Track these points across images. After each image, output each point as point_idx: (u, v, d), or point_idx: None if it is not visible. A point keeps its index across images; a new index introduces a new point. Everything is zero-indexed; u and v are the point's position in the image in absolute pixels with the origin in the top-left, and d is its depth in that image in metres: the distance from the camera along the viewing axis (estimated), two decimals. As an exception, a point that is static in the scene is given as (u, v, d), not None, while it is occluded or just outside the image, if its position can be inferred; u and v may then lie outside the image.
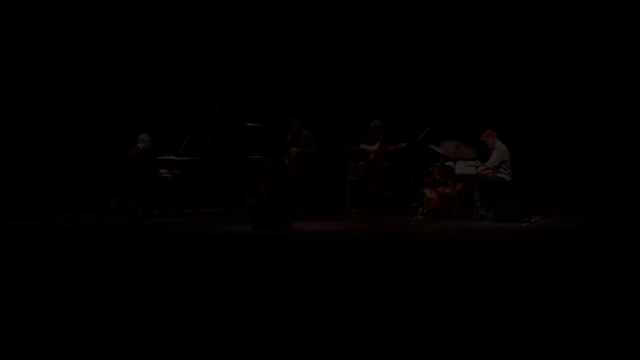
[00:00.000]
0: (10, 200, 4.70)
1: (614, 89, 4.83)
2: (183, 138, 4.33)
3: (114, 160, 4.80)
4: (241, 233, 3.41)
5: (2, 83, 4.98)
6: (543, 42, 5.01)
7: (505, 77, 5.03)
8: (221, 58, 5.28)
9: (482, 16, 5.02)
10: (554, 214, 4.29)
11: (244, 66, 5.23)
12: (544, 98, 5.03)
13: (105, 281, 2.74)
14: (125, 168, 4.33)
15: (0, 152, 4.87)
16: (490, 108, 4.88)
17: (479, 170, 4.19)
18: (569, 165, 4.73)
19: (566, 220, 4.02)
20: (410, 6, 5.10)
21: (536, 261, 2.77)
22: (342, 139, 4.66)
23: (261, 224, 3.47)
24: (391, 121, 4.67)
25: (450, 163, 4.21)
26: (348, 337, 2.12)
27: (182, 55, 5.26)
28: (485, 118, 4.62)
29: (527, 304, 2.35)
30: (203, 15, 5.26)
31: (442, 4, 5.07)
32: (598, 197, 4.31)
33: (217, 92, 5.13)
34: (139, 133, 4.32)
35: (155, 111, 5.18)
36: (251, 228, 3.47)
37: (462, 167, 4.24)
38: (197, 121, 4.50)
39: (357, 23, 5.12)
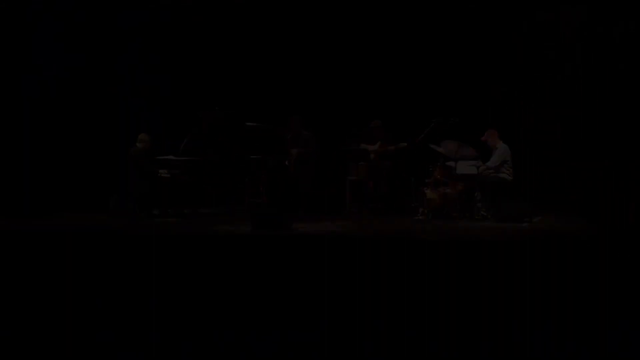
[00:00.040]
0: (10, 200, 4.70)
1: (614, 89, 4.83)
2: (183, 138, 4.33)
3: (114, 160, 4.80)
4: (241, 233, 3.41)
5: (2, 83, 4.98)
6: (543, 42, 5.01)
7: (505, 77, 5.03)
8: (221, 58, 5.28)
9: (482, 16, 5.03)
10: (554, 214, 4.29)
11: (244, 66, 5.23)
12: (544, 98, 5.03)
13: (105, 281, 2.74)
14: (125, 168, 4.33)
15: (0, 152, 4.87)
16: (490, 108, 4.88)
17: (480, 170, 4.19)
18: (569, 165, 4.73)
19: (566, 220, 4.02)
20: (410, 6, 5.11)
21: (536, 261, 2.76)
22: (342, 139, 4.66)
23: (261, 224, 3.47)
24: (391, 121, 4.67)
25: (451, 163, 4.20)
26: (348, 337, 2.12)
27: (182, 55, 5.26)
28: (485, 118, 4.62)
29: (527, 303, 2.35)
30: (203, 15, 5.26)
31: (442, 3, 5.07)
32: (598, 197, 4.32)
33: (217, 92, 5.13)
34: (139, 133, 4.32)
35: (155, 111, 5.18)
36: (251, 228, 3.47)
37: (463, 167, 4.23)
38: (197, 121, 4.51)
39: (357, 23, 5.12)
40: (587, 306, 2.32)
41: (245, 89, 5.49)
